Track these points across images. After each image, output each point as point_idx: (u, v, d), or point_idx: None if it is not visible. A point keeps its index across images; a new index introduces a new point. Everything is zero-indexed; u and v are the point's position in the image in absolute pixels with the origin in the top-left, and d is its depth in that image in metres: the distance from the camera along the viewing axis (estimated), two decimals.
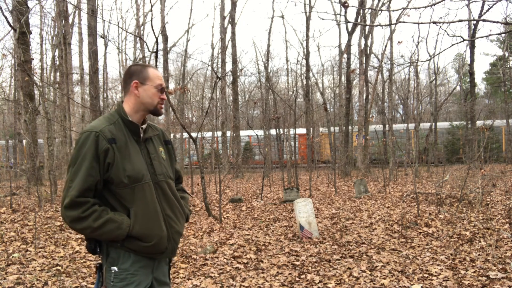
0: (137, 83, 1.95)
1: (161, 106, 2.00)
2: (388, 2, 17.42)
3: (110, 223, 1.79)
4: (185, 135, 19.88)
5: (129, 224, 1.83)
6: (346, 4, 3.67)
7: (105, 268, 1.87)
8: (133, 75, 1.97)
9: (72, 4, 16.16)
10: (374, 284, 3.94)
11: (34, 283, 4.06)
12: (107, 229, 1.79)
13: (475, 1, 4.80)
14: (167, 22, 23.57)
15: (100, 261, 1.93)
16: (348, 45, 17.76)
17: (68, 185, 1.81)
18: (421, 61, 14.74)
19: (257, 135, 19.93)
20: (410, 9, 4.05)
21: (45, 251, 5.29)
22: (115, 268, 1.84)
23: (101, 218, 1.79)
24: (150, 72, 1.97)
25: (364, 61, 18.79)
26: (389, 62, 20.20)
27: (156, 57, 8.67)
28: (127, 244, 1.84)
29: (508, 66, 23.02)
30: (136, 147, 1.93)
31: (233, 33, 19.02)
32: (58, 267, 4.60)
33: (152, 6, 10.05)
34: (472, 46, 19.06)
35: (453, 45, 4.49)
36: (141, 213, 1.85)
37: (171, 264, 2.18)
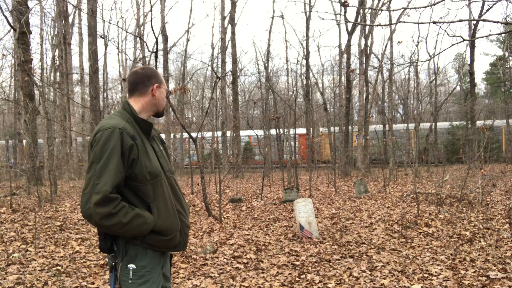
0: (157, 86, 2.04)
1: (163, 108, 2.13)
2: (388, 2, 17.42)
3: (137, 218, 1.82)
4: (185, 135, 19.90)
5: (153, 219, 1.87)
6: (346, 4, 3.67)
7: (121, 266, 1.86)
8: (152, 77, 2.04)
9: (72, 4, 16.17)
10: (374, 284, 3.94)
11: (34, 283, 4.06)
12: (135, 224, 1.81)
13: (475, 1, 4.80)
14: (167, 22, 23.58)
15: (114, 260, 1.90)
16: (348, 45, 17.76)
17: (95, 181, 1.77)
18: (421, 61, 14.75)
19: (257, 135, 19.92)
20: (410, 9, 4.04)
21: (45, 251, 5.29)
22: (133, 266, 1.85)
23: (130, 213, 1.81)
24: (161, 76, 2.10)
25: (364, 61, 18.78)
26: (389, 62, 20.21)
27: (156, 57, 8.67)
28: (148, 240, 1.88)
29: (508, 66, 23.02)
30: (149, 145, 1.99)
31: (233, 33, 19.02)
32: (58, 267, 4.60)
33: (152, 6, 10.04)
34: (472, 46, 19.06)
35: (453, 45, 4.49)
36: (162, 208, 1.91)
37: (172, 260, 2.22)
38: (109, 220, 1.76)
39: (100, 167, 1.78)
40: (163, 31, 18.17)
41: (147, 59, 18.31)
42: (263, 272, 4.46)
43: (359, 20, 16.58)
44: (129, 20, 58.53)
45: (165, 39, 18.69)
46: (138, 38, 22.42)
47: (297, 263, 4.74)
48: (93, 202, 1.75)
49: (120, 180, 1.82)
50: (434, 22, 4.05)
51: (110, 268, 1.91)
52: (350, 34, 17.64)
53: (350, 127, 19.21)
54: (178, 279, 4.27)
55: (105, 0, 58.67)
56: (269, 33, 22.95)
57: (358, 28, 18.97)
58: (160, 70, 19.50)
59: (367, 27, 18.14)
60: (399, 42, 19.16)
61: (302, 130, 23.26)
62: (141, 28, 24.17)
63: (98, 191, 1.75)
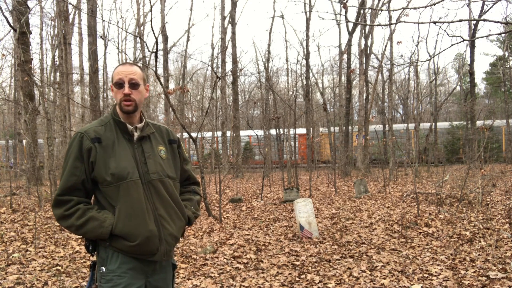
0: (111, 86, 1.99)
1: (125, 102, 1.90)
2: (388, 2, 17.42)
3: (92, 221, 1.81)
4: (185, 135, 19.90)
5: (112, 223, 1.81)
6: (345, 5, 3.67)
7: (97, 267, 1.89)
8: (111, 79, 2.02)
9: (72, 4, 16.15)
10: (374, 284, 3.94)
11: (34, 283, 4.06)
12: (90, 227, 1.81)
13: (475, 1, 4.79)
14: (167, 22, 23.58)
15: (94, 260, 1.94)
16: (348, 45, 17.76)
17: (58, 185, 1.91)
18: (421, 61, 14.75)
19: (257, 135, 19.93)
20: (410, 9, 4.04)
21: (45, 251, 5.29)
22: (103, 269, 1.85)
23: (84, 217, 1.82)
24: (115, 72, 1.96)
25: (364, 61, 18.78)
26: (389, 62, 20.20)
27: (156, 57, 8.66)
28: (114, 243, 1.84)
29: (508, 66, 23.02)
30: (126, 146, 1.91)
31: (233, 33, 19.02)
32: (58, 267, 4.60)
33: (152, 6, 10.01)
34: (472, 46, 19.06)
35: (453, 45, 4.48)
36: (124, 211, 1.83)
37: (175, 271, 2.09)
38: (64, 221, 1.85)
39: (62, 171, 1.89)
40: (163, 31, 18.16)
41: (147, 59, 18.30)
42: (263, 272, 4.46)
43: (359, 20, 16.57)
44: (129, 20, 58.47)
45: (165, 39, 18.68)
46: (138, 38, 22.41)
47: (297, 263, 4.74)
48: (51, 204, 1.88)
49: (75, 184, 1.85)
50: (434, 22, 4.05)
51: (90, 267, 1.94)
52: (350, 34, 17.64)
53: (350, 127, 19.20)
54: (178, 279, 4.27)
55: (105, 0, 58.68)
56: (269, 33, 22.95)
57: (358, 28, 18.97)
58: (160, 70, 19.51)
59: (367, 27, 18.14)
60: (398, 42, 19.15)
61: (302, 130, 23.26)
62: (141, 28, 24.15)
63: (56, 194, 1.87)
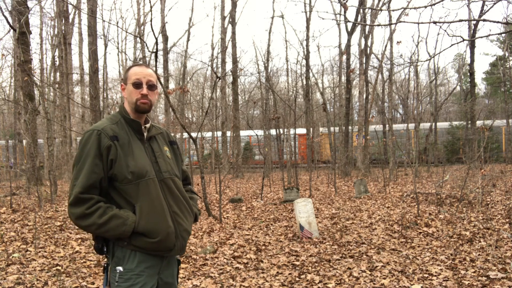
0: (122, 85, 2.03)
1: (142, 101, 1.96)
2: (388, 2, 17.41)
3: (115, 219, 1.80)
4: (185, 135, 19.90)
5: (135, 220, 1.83)
6: (344, 6, 3.67)
7: (110, 268, 1.87)
8: (123, 78, 2.04)
9: (72, 4, 16.14)
10: (374, 284, 3.94)
11: (34, 283, 4.06)
12: (113, 225, 1.80)
13: (475, 1, 4.79)
14: (167, 22, 23.55)
15: (107, 262, 1.93)
16: (348, 45, 17.76)
17: (73, 183, 1.85)
18: (421, 61, 14.75)
19: (257, 135, 19.92)
20: (410, 9, 4.05)
21: (45, 251, 5.29)
22: (120, 268, 1.84)
23: (106, 215, 1.80)
24: (131, 71, 2.01)
25: (364, 61, 18.78)
26: (389, 62, 20.20)
27: (156, 57, 8.67)
28: (134, 242, 1.84)
29: (508, 66, 23.02)
30: (139, 145, 1.96)
31: (233, 33, 19.02)
32: (58, 267, 4.60)
33: (152, 6, 10.01)
34: (472, 46, 19.05)
35: (453, 45, 4.48)
36: (146, 209, 1.85)
37: (179, 266, 2.16)
38: (83, 220, 1.81)
39: (77, 169, 1.85)
40: (163, 31, 18.16)
41: (147, 59, 18.30)
42: (263, 272, 4.46)
43: (359, 20, 16.57)
44: (129, 20, 58.60)
45: (165, 39, 18.66)
46: (138, 38, 22.40)
47: (297, 263, 4.74)
48: (68, 203, 1.84)
49: (95, 181, 1.83)
50: (434, 22, 4.05)
51: (103, 269, 1.93)
52: (350, 34, 17.63)
53: (350, 127, 19.20)
54: (178, 279, 4.27)
55: (105, 0, 58.68)
56: (269, 33, 22.94)
57: (358, 28, 18.97)
58: (160, 70, 19.52)
59: (367, 27, 18.13)
60: (398, 42, 19.07)
61: (302, 130, 23.26)
62: (141, 28, 24.15)
63: (73, 192, 1.82)
